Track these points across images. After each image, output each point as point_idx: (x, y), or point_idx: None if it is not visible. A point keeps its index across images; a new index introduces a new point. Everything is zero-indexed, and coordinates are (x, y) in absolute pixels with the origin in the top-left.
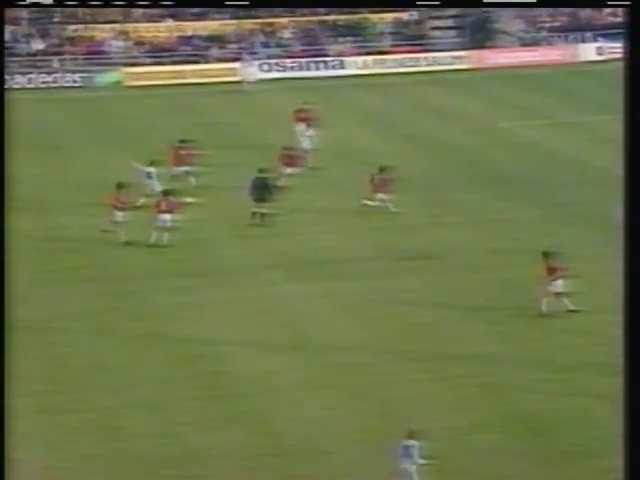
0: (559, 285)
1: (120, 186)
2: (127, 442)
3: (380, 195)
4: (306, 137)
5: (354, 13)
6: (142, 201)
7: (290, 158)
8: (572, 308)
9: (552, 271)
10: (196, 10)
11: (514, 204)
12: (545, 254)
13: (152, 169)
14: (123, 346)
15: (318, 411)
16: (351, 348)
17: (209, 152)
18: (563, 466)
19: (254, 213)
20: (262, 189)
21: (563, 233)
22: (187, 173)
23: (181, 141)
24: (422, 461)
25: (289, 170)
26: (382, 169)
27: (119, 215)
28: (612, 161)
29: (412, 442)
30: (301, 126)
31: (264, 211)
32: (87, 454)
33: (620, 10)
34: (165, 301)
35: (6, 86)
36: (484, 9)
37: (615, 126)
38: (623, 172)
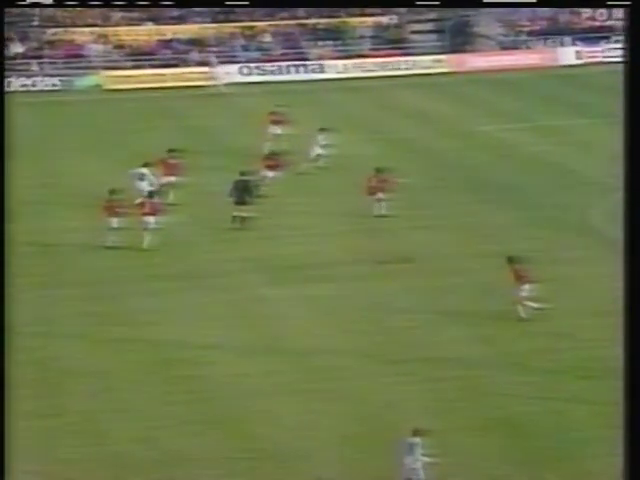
0: (526, 290)
1: (113, 192)
2: (105, 446)
3: (377, 196)
4: (279, 139)
5: (334, 17)
6: (139, 201)
7: (273, 162)
8: (539, 306)
9: (518, 276)
10: (176, 13)
11: (493, 207)
12: (510, 259)
13: (145, 170)
14: (101, 350)
15: (296, 415)
16: (329, 352)
17: (189, 155)
18: (542, 469)
19: (234, 217)
20: (243, 192)
21: (542, 236)
22: (174, 184)
23: (170, 150)
24: (426, 459)
25: (271, 174)
26: (378, 170)
27: (114, 221)
28: (591, 165)
29: (416, 439)
30: (274, 129)
31: (244, 214)
32: (65, 458)
33: (598, 14)
34: (143, 305)
35: (6, 87)
36: (464, 12)
37: (594, 130)
38: (623, 173)
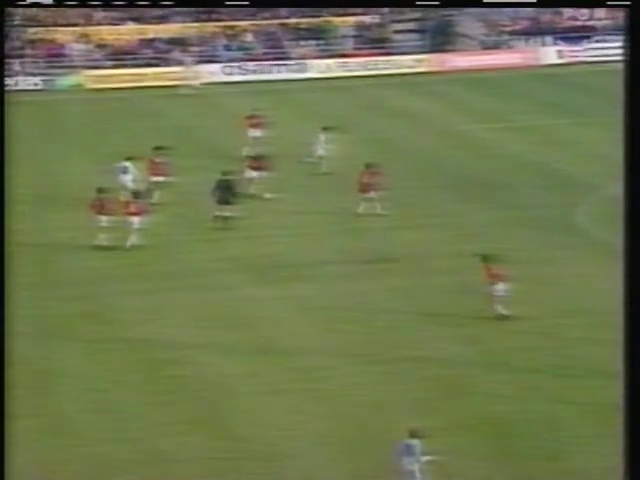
0: (499, 289)
1: (101, 191)
2: (87, 447)
3: (369, 195)
4: (258, 141)
5: (316, 16)
6: (123, 195)
7: (257, 163)
8: (505, 313)
9: (492, 275)
10: (158, 13)
11: (476, 207)
12: (484, 258)
13: (128, 164)
14: (84, 350)
15: (280, 415)
16: (314, 351)
17: (172, 155)
18: (524, 468)
19: (216, 216)
20: (225, 191)
21: (525, 236)
22: (161, 183)
23: (156, 148)
24: (426, 457)
25: (255, 174)
26: (369, 166)
27: (104, 220)
28: (574, 164)
29: (414, 441)
30: (253, 132)
31: (226, 214)
32: (46, 459)
33: (579, 14)
34: (126, 305)
35: (6, 87)
36: (446, 12)
37: (577, 129)
38: (623, 173)
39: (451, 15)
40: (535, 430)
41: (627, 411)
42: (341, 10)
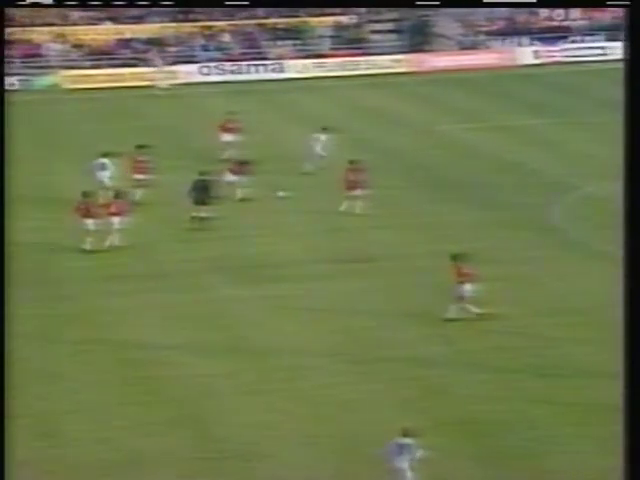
0: (466, 290)
1: (86, 194)
2: (66, 448)
3: (355, 192)
4: (235, 144)
5: (293, 16)
6: (100, 195)
7: (238, 167)
8: (478, 311)
9: (460, 275)
10: (135, 12)
11: (453, 207)
12: (454, 257)
13: (105, 160)
14: (62, 351)
15: (258, 415)
16: (292, 351)
17: (152, 154)
18: (501, 467)
19: (193, 217)
20: (202, 192)
21: (501, 236)
22: (144, 181)
23: (139, 146)
24: (420, 452)
25: (235, 178)
26: (352, 162)
27: (90, 223)
28: (551, 164)
29: (407, 440)
30: (229, 135)
31: (203, 215)
32: (25, 460)
33: (555, 14)
34: (104, 305)
35: (6, 87)
36: (423, 12)
37: (553, 129)
38: (623, 172)
39: (428, 15)
40: (515, 430)
41: (627, 411)
42: (318, 10)
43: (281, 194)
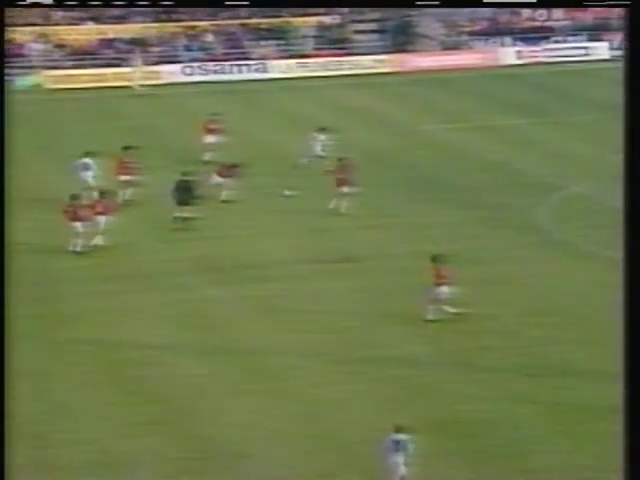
0: (443, 292)
1: (74, 197)
2: (49, 449)
3: (342, 190)
4: (218, 145)
5: (276, 16)
6: (84, 195)
7: (226, 169)
8: (454, 311)
9: (439, 276)
10: (117, 12)
11: (436, 207)
12: (434, 258)
13: (88, 160)
14: (46, 351)
15: (241, 415)
16: (275, 351)
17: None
18: (485, 466)
19: (176, 217)
20: (185, 192)
21: (484, 236)
22: (130, 182)
23: (125, 148)
24: (410, 455)
25: (221, 180)
26: (340, 160)
27: (78, 226)
28: (534, 164)
29: (401, 436)
30: (212, 137)
31: (186, 215)
32: (6, 461)
33: (538, 14)
34: (87, 306)
35: (6, 86)
36: (406, 13)
37: (536, 129)
38: (623, 172)
39: (411, 15)
40: (499, 429)
41: (627, 412)
42: (301, 10)
43: (287, 193)
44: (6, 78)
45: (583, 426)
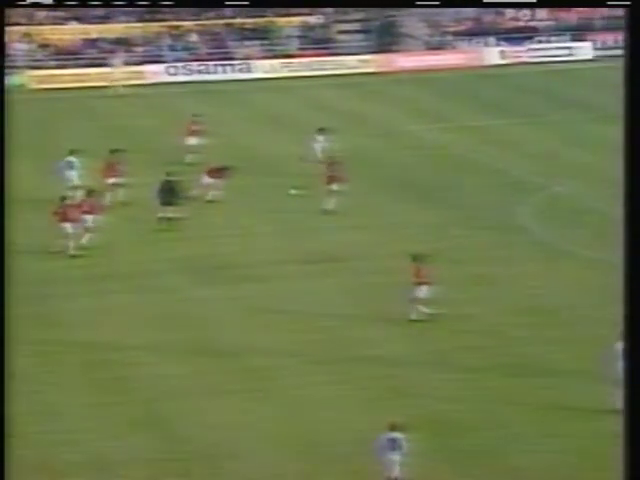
0: (422, 291)
1: (64, 198)
2: (31, 450)
3: (331, 187)
4: (199, 148)
5: (261, 16)
6: (69, 195)
7: (216, 171)
8: (431, 312)
9: (418, 276)
10: (101, 12)
11: (420, 207)
12: (414, 257)
13: (73, 158)
14: (26, 352)
15: (224, 416)
16: (259, 352)
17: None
18: (468, 466)
19: (160, 218)
20: (169, 193)
21: (467, 235)
22: (117, 185)
23: (112, 151)
24: (405, 453)
25: (211, 181)
26: (331, 158)
27: (67, 227)
28: (517, 164)
29: (396, 434)
30: (193, 139)
31: (170, 215)
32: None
33: (521, 14)
34: (69, 306)
35: (6, 86)
36: (390, 13)
37: (519, 129)
38: (623, 172)
39: (395, 16)
40: (481, 428)
41: (627, 414)
42: (285, 10)
43: (293, 192)
44: (6, 78)
45: (565, 425)
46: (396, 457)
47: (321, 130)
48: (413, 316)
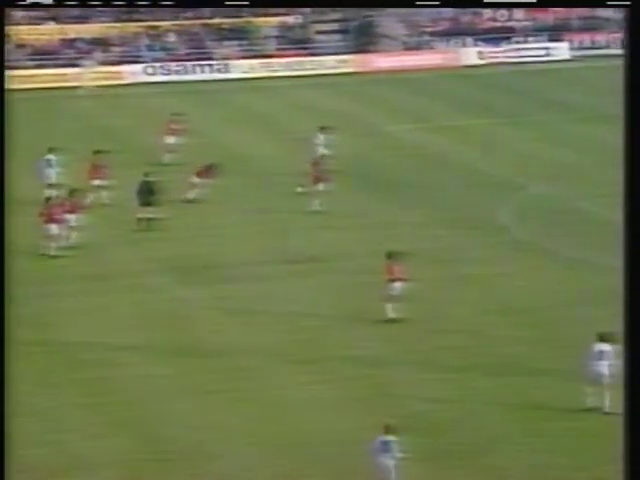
0: (395, 288)
1: (49, 199)
2: (12, 450)
3: (319, 186)
4: (179, 147)
5: (238, 17)
6: (48, 194)
7: (204, 170)
8: (393, 317)
9: (390, 272)
10: (78, 12)
11: (399, 207)
12: (389, 255)
13: (52, 156)
14: (10, 352)
15: (207, 416)
16: (239, 352)
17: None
18: (449, 466)
19: (139, 218)
20: (147, 193)
21: (448, 235)
22: (101, 186)
23: (96, 152)
24: (400, 455)
25: (199, 180)
26: (318, 158)
27: (53, 228)
28: (495, 164)
29: (390, 437)
30: (171, 138)
31: (149, 216)
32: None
33: (499, 15)
34: (51, 307)
35: (6, 86)
36: (367, 13)
37: (498, 129)
38: (623, 172)
39: (372, 16)
40: (461, 428)
41: (627, 415)
42: (263, 10)
43: (299, 190)
44: (6, 78)
45: (546, 425)
46: (388, 460)
47: (322, 129)
48: (392, 314)
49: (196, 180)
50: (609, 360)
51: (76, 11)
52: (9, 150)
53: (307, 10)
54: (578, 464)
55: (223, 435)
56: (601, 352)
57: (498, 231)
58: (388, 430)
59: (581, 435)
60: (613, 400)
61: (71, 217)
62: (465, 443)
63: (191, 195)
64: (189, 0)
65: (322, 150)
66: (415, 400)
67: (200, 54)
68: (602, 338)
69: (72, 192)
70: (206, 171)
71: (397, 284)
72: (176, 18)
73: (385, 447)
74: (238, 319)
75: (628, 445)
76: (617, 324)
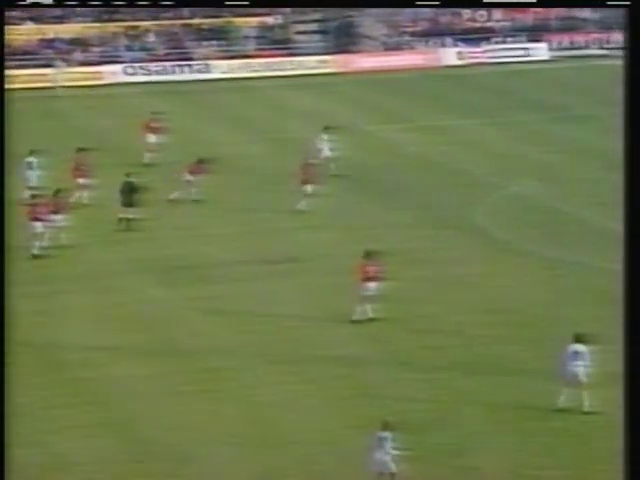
0: (371, 288)
1: (34, 197)
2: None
3: (308, 187)
4: (158, 147)
5: (218, 17)
6: (30, 194)
7: (196, 166)
8: (372, 316)
9: (364, 272)
10: (57, 12)
11: (380, 207)
12: (367, 254)
13: (32, 159)
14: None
15: (186, 416)
16: (219, 352)
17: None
18: (429, 465)
19: (120, 219)
20: (129, 194)
21: (428, 236)
22: (84, 185)
23: (79, 149)
24: (396, 452)
25: (192, 178)
26: (307, 160)
27: (37, 226)
28: (475, 164)
29: (386, 434)
30: (151, 137)
31: (130, 216)
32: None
33: (478, 15)
34: (29, 308)
35: (6, 86)
36: (348, 13)
37: (477, 129)
38: (623, 171)
39: (352, 16)
40: (442, 428)
41: (627, 415)
42: (243, 10)
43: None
44: (6, 78)
45: (526, 424)
46: (384, 456)
47: (326, 129)
48: (370, 314)
49: (189, 177)
50: (584, 361)
51: (55, 11)
52: (9, 150)
53: (287, 10)
54: (559, 463)
55: (203, 435)
56: (576, 353)
57: (476, 231)
58: (385, 426)
59: (561, 434)
60: (592, 399)
61: (56, 217)
62: (444, 443)
63: (173, 195)
64: (189, 0)
65: (326, 152)
66: (395, 400)
67: (180, 54)
68: (577, 339)
69: (56, 192)
70: (198, 167)
71: (371, 284)
72: (156, 18)
73: (381, 443)
74: (218, 319)
75: (628, 445)
76: (597, 324)
